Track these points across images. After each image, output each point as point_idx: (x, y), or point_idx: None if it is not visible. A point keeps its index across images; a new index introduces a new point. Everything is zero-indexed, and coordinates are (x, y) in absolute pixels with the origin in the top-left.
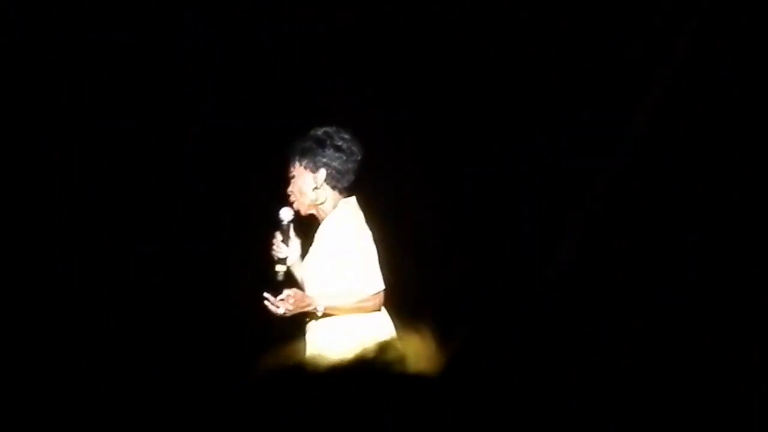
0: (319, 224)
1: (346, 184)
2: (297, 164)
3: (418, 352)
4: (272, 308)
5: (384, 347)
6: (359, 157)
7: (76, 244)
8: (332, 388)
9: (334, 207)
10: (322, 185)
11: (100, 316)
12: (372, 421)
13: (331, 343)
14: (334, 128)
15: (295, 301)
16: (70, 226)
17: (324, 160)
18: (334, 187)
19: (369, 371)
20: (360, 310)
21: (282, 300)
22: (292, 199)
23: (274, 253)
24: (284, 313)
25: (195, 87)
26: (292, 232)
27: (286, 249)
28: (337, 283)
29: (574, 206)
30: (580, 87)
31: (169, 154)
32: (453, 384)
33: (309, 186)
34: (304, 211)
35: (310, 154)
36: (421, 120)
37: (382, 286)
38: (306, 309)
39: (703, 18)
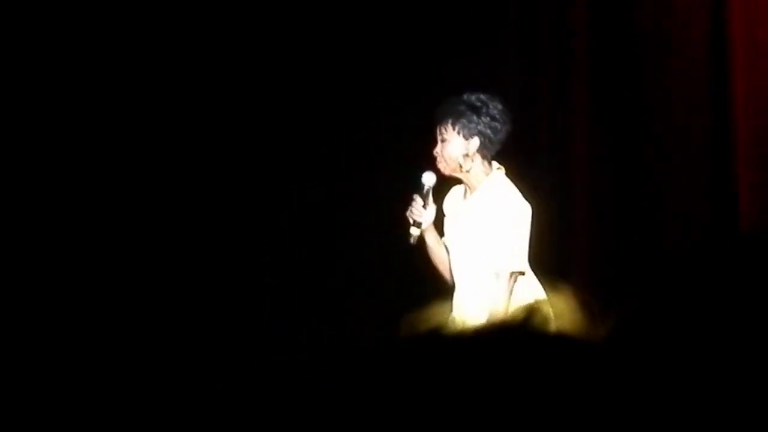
0: (452, 190)
1: (493, 153)
2: (450, 128)
3: (564, 313)
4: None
5: (531, 309)
6: (510, 128)
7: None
8: (475, 351)
9: (487, 175)
10: (474, 154)
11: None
12: (514, 383)
13: (477, 305)
14: (487, 96)
15: None
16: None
17: (479, 128)
18: (484, 157)
19: (515, 333)
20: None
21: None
22: (438, 160)
23: (411, 215)
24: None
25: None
26: (430, 198)
27: (424, 213)
28: (489, 252)
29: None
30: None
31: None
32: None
33: (460, 152)
34: (448, 174)
35: (465, 119)
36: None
37: (519, 267)
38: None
39: None
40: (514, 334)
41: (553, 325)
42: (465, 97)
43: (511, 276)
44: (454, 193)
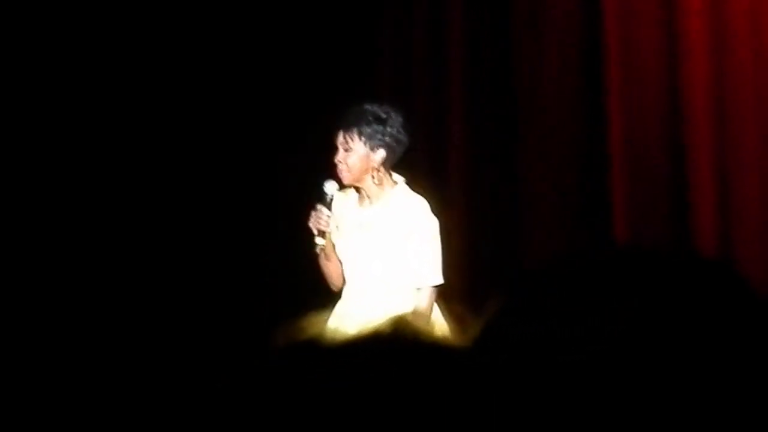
0: (342, 198)
1: (393, 165)
2: (356, 137)
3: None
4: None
5: (398, 320)
6: (410, 141)
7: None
8: (342, 363)
9: (391, 186)
10: (379, 165)
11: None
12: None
13: (359, 316)
14: (390, 107)
15: None
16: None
17: (386, 139)
18: (386, 168)
19: (381, 343)
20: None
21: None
22: (340, 168)
23: (318, 225)
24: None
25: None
26: (332, 206)
27: (329, 222)
28: (400, 267)
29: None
30: None
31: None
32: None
33: (365, 162)
34: (348, 183)
35: (371, 130)
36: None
37: (442, 280)
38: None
39: None
40: (379, 345)
41: (421, 336)
42: (369, 107)
43: (433, 289)
44: (347, 201)
